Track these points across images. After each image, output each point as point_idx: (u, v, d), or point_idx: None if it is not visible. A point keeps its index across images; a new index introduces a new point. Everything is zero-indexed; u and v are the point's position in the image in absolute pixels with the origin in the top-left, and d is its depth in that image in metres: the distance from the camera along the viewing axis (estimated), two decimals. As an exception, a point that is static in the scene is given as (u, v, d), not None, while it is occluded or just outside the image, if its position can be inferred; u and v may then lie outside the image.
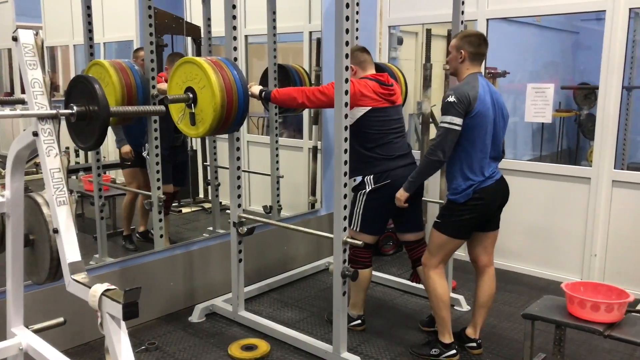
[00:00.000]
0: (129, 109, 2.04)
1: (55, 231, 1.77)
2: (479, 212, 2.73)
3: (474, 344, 2.96)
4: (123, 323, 1.62)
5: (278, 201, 4.15)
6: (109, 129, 2.71)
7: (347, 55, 2.54)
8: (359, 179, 3.01)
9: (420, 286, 3.32)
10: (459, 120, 2.60)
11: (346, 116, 2.60)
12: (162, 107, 2.07)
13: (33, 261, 2.03)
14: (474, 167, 2.69)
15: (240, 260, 3.24)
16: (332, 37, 2.57)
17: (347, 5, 2.49)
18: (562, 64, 6.80)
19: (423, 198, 3.21)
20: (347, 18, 2.51)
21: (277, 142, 4.06)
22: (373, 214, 3.01)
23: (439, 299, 2.83)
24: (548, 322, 2.45)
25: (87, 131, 1.86)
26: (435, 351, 2.87)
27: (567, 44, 6.72)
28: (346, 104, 2.58)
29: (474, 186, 2.69)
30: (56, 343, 2.15)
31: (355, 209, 3.02)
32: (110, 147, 3.92)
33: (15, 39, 1.83)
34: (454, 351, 2.86)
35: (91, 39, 3.37)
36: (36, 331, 2.14)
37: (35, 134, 1.79)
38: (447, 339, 2.87)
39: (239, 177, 3.13)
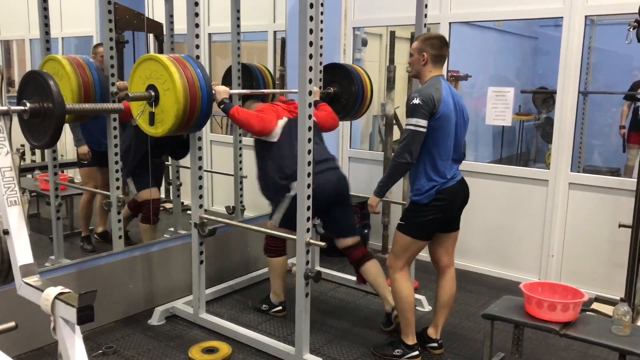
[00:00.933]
0: (86, 106, 1.99)
1: (6, 232, 1.71)
2: (442, 212, 2.76)
3: (435, 344, 2.98)
4: (77, 327, 1.57)
5: (241, 202, 4.11)
6: (66, 126, 2.64)
7: (310, 56, 2.53)
8: (284, 182, 3.11)
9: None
10: (424, 122, 2.62)
11: (310, 116, 2.58)
12: (121, 105, 2.02)
13: (-18, 264, 1.95)
14: (437, 169, 2.72)
15: (201, 262, 3.19)
16: (297, 36, 2.55)
17: (311, 6, 2.48)
18: (522, 68, 6.97)
19: (385, 199, 3.23)
20: (311, 18, 2.49)
21: (240, 141, 4.02)
22: (293, 215, 3.02)
23: (404, 301, 2.85)
24: (507, 322, 2.50)
25: (41, 129, 1.80)
26: (398, 352, 2.89)
27: (527, 48, 6.90)
28: (310, 105, 2.57)
29: (436, 187, 2.71)
30: (7, 349, 2.07)
31: (279, 205, 3.19)
32: (69, 145, 3.82)
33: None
34: (416, 352, 2.88)
35: (47, 33, 3.27)
36: (-14, 336, 2.05)
37: (-15, 131, 1.72)
38: (411, 340, 2.88)
39: (200, 177, 3.09)
